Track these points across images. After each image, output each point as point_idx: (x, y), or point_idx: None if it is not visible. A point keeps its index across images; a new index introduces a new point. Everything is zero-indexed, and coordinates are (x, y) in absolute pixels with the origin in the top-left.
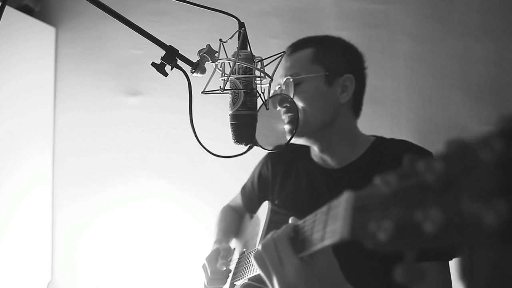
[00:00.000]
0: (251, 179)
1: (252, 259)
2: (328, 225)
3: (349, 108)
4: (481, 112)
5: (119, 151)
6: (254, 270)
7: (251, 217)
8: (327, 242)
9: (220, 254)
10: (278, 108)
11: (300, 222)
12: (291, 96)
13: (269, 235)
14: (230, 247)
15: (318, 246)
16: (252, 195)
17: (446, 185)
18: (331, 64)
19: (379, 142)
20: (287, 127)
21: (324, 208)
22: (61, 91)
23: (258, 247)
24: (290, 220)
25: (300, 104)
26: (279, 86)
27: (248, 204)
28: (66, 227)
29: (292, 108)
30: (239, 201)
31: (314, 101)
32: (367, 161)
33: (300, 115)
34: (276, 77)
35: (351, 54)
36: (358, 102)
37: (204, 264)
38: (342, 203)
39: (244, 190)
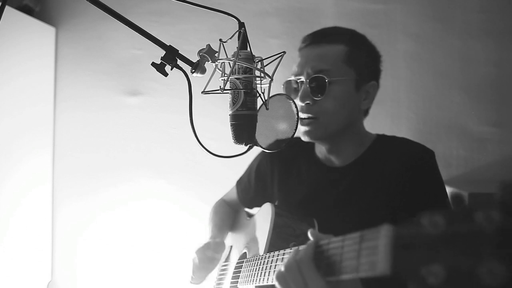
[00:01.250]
0: (248, 173)
1: (274, 279)
2: (363, 256)
3: (363, 111)
4: (481, 112)
5: (119, 151)
6: (265, 280)
7: (248, 215)
8: (363, 274)
9: (210, 247)
10: (298, 102)
11: (323, 242)
12: (319, 95)
13: (290, 256)
14: (222, 242)
15: (351, 275)
16: (248, 190)
17: (507, 237)
18: (361, 68)
19: (380, 140)
20: (304, 128)
21: (354, 236)
22: (61, 91)
23: (281, 268)
24: (310, 235)
25: (326, 105)
26: (300, 78)
27: (244, 199)
28: (66, 227)
29: (313, 110)
30: (234, 195)
31: (341, 104)
32: (369, 159)
33: (323, 116)
34: (291, 64)
35: (374, 57)
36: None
37: (194, 257)
38: (382, 236)
39: (239, 184)
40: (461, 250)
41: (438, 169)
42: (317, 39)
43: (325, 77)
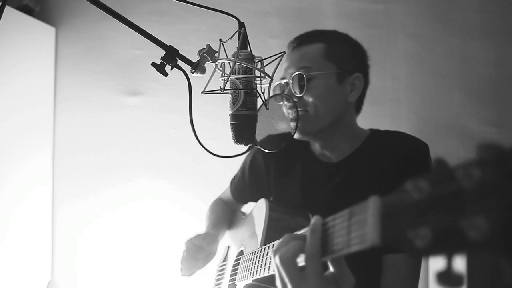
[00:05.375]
0: (241, 168)
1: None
2: (353, 231)
3: (353, 106)
4: (481, 112)
5: (119, 151)
6: (261, 272)
7: (244, 214)
8: (355, 248)
9: (200, 236)
10: (283, 102)
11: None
12: (300, 92)
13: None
14: (213, 234)
15: (344, 251)
16: (242, 185)
17: (486, 191)
18: (342, 62)
19: (375, 134)
20: (293, 124)
21: (344, 213)
22: (61, 91)
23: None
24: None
25: (310, 100)
26: (285, 80)
27: (238, 194)
28: (66, 227)
29: (298, 105)
30: (228, 194)
31: (325, 98)
32: (363, 154)
33: (311, 110)
34: (280, 70)
35: (358, 52)
36: (361, 99)
37: (183, 249)
38: (369, 208)
39: (233, 180)
40: (445, 209)
41: (431, 161)
42: (300, 42)
43: (303, 74)
